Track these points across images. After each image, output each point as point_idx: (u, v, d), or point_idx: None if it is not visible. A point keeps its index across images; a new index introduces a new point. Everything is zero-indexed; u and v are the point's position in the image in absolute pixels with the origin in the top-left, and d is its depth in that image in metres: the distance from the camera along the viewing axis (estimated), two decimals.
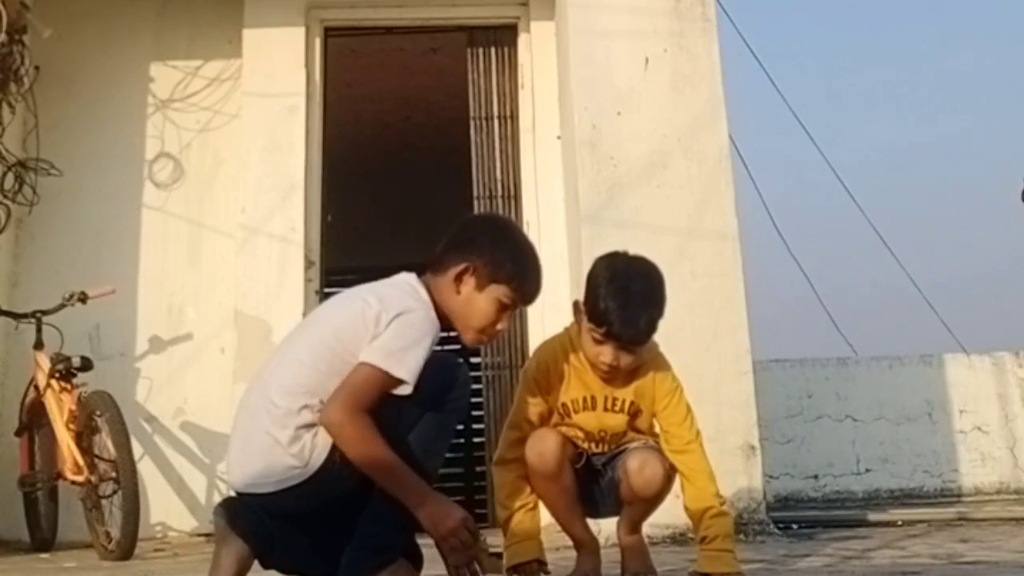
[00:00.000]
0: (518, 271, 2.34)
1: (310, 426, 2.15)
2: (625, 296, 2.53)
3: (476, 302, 2.31)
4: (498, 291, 2.32)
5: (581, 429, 2.70)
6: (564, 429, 2.69)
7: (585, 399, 2.68)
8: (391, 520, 2.18)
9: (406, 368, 2.14)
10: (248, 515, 2.20)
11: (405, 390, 2.14)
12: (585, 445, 2.72)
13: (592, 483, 2.76)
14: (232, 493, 2.29)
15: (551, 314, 4.24)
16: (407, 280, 2.34)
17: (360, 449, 2.12)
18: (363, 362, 2.14)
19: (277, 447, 2.14)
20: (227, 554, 2.19)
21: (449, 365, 2.27)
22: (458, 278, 2.31)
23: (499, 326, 2.35)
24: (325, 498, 2.18)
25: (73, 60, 5.62)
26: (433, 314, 2.25)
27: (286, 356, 2.27)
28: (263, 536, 2.20)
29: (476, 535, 2.21)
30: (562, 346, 2.71)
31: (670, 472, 2.65)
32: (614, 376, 2.64)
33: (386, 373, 2.13)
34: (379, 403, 2.14)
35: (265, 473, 2.15)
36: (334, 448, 2.14)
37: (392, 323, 2.16)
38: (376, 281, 2.37)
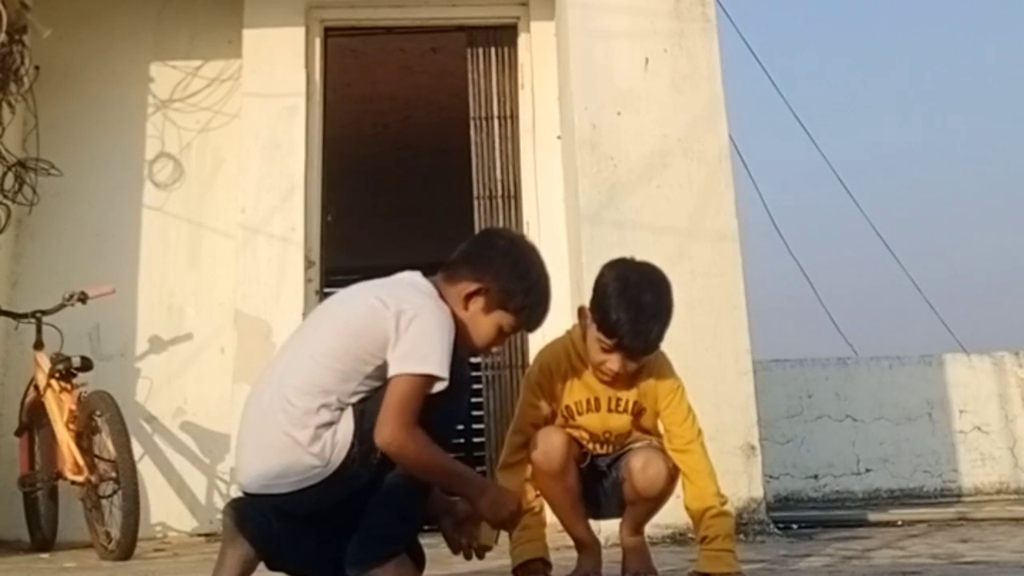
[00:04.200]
0: (527, 303, 2.37)
1: (329, 424, 2.16)
2: (636, 308, 2.52)
3: (480, 323, 2.34)
4: (503, 318, 2.35)
5: (586, 431, 2.70)
6: (569, 431, 2.69)
7: (589, 401, 2.68)
8: (395, 511, 2.20)
9: (440, 365, 2.15)
10: (256, 517, 2.21)
11: (441, 386, 2.16)
12: (590, 446, 2.72)
13: (596, 484, 2.76)
14: (236, 492, 2.29)
15: (551, 315, 4.21)
16: (410, 279, 2.35)
17: (424, 462, 2.16)
18: (400, 373, 2.15)
19: (296, 447, 2.14)
20: (232, 555, 2.20)
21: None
22: (468, 297, 2.33)
23: (494, 349, 2.40)
24: (340, 496, 2.18)
25: (73, 60, 5.62)
26: (444, 305, 2.28)
27: (297, 355, 2.27)
28: (269, 539, 2.21)
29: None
30: (564, 349, 2.71)
31: (673, 472, 2.65)
32: (617, 380, 2.64)
33: (425, 376, 2.14)
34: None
35: (283, 473, 2.16)
36: (352, 445, 2.15)
37: (412, 325, 2.17)
38: (375, 280, 2.37)
